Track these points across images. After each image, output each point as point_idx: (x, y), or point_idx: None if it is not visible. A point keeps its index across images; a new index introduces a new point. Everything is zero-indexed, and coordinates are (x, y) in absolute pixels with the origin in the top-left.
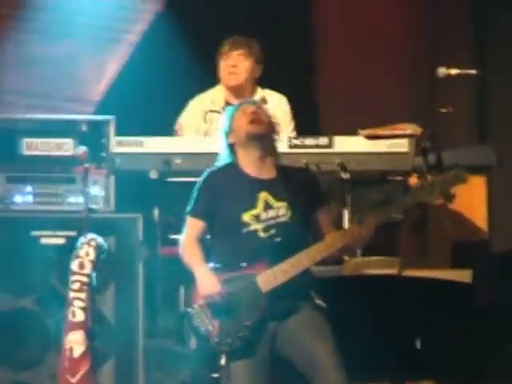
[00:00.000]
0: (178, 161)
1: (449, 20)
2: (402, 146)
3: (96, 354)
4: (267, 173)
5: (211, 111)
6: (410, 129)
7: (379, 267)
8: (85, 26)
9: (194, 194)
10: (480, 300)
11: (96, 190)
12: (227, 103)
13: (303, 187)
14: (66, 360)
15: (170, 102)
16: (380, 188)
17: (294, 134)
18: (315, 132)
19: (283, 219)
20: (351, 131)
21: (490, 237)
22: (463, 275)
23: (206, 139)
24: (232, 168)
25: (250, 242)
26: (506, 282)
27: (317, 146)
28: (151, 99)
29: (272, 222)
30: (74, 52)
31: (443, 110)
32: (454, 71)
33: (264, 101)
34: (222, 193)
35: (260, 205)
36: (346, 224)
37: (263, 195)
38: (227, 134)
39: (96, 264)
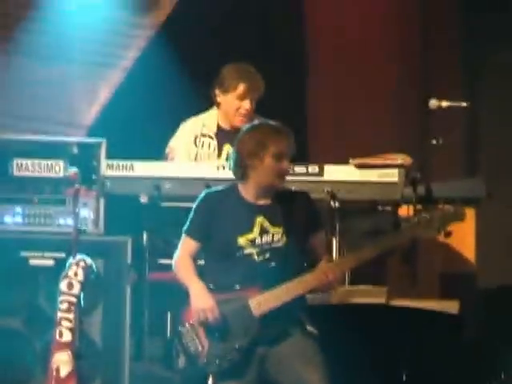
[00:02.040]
0: (168, 185)
1: (436, 47)
2: (391, 175)
3: (82, 375)
4: (265, 198)
5: (203, 135)
6: (401, 159)
7: (367, 296)
8: (78, 51)
9: (192, 214)
10: (467, 332)
11: (86, 212)
12: (219, 128)
13: (300, 211)
14: (52, 380)
15: (161, 126)
16: (369, 217)
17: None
18: (303, 159)
19: (278, 245)
20: (340, 159)
21: (478, 269)
22: (450, 306)
23: (195, 164)
24: (230, 191)
25: (245, 265)
26: (492, 315)
27: (307, 174)
28: (142, 124)
29: (267, 246)
30: (66, 76)
31: (434, 142)
32: (444, 103)
33: None
34: (219, 215)
35: (256, 229)
36: (334, 252)
37: (260, 220)
38: (250, 158)
39: (84, 285)
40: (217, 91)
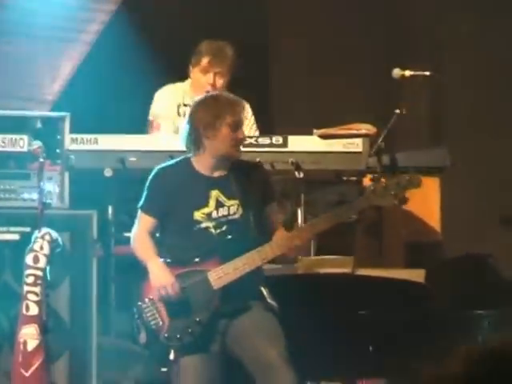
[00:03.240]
0: (132, 158)
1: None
2: (356, 145)
3: (50, 349)
4: (219, 171)
5: (185, 105)
6: (365, 129)
7: (333, 266)
8: (40, 26)
9: (145, 190)
10: (432, 300)
11: (50, 187)
12: None
13: (254, 184)
14: (19, 354)
15: (125, 100)
16: (334, 188)
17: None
18: (269, 132)
19: (235, 217)
20: (305, 131)
21: (443, 238)
22: (416, 275)
23: (159, 137)
24: (183, 165)
25: (202, 239)
26: (458, 284)
27: (271, 145)
28: (106, 98)
29: (224, 219)
30: (28, 51)
31: (397, 111)
32: (408, 72)
33: None
34: (174, 190)
35: (212, 203)
36: (300, 223)
37: (215, 193)
38: (206, 129)
39: (50, 258)
40: (190, 67)
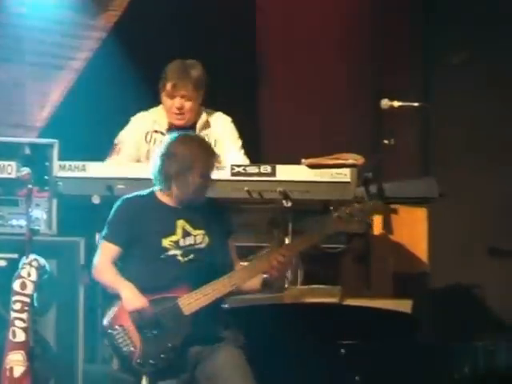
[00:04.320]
0: (120, 186)
1: (395, 51)
2: (344, 175)
3: (36, 375)
4: (181, 204)
5: (154, 131)
6: (353, 159)
7: (321, 296)
8: (29, 52)
9: (110, 219)
10: (420, 331)
11: (38, 213)
12: (170, 125)
13: (217, 216)
14: (6, 380)
15: (113, 128)
16: (322, 217)
17: (242, 151)
18: (257, 162)
19: (201, 246)
20: (293, 161)
21: (431, 269)
22: (404, 305)
23: (147, 165)
24: (149, 196)
25: (171, 267)
26: (444, 314)
27: (259, 174)
28: (94, 125)
29: (191, 248)
30: (17, 78)
31: (386, 142)
32: (396, 103)
33: (207, 125)
34: (140, 218)
35: (179, 232)
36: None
37: (181, 223)
38: (177, 178)
39: (38, 285)
40: (160, 90)
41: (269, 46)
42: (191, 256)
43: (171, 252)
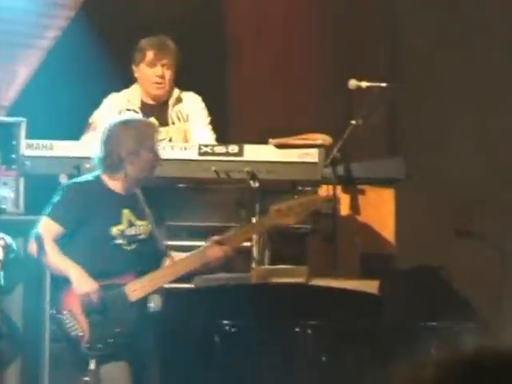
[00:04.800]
0: (87, 165)
1: (363, 34)
2: (311, 156)
3: (2, 354)
4: (130, 190)
5: (127, 110)
6: (321, 139)
7: (287, 276)
8: None
9: (57, 198)
10: (386, 311)
11: (5, 192)
12: (143, 103)
13: (151, 205)
14: None
15: (82, 107)
16: (289, 198)
17: (210, 127)
18: (225, 142)
19: (143, 236)
20: (261, 141)
21: (398, 250)
22: (370, 286)
23: None
24: (96, 183)
25: (117, 254)
26: (410, 296)
27: (227, 154)
28: (63, 104)
29: (134, 238)
30: None
31: (353, 122)
32: (364, 83)
33: (179, 100)
34: (88, 205)
35: (124, 221)
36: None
37: (126, 212)
38: (130, 155)
39: (4, 263)
40: (133, 67)
41: (237, 26)
42: (134, 246)
43: (118, 241)
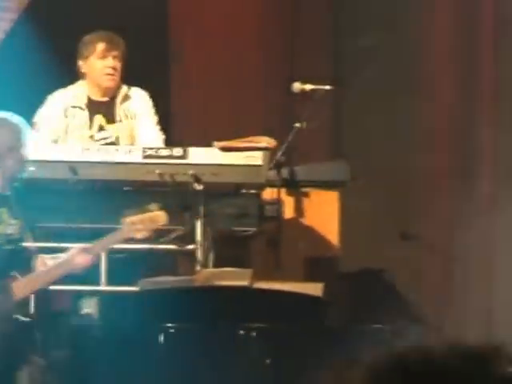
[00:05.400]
0: (31, 168)
1: (307, 36)
2: (256, 158)
3: None
4: (4, 189)
5: (73, 106)
6: (265, 142)
7: (231, 279)
8: None
9: None
10: (330, 314)
11: None
12: (90, 99)
13: (23, 204)
14: None
15: (29, 110)
16: (234, 200)
17: (158, 127)
18: (169, 144)
19: (17, 236)
20: (206, 144)
21: (342, 252)
22: (314, 289)
23: (60, 147)
24: None
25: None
26: (355, 298)
27: (171, 157)
28: (9, 108)
29: (10, 238)
30: None
31: (297, 125)
32: (308, 86)
33: (127, 97)
34: None
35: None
36: (198, 236)
37: (2, 210)
38: (7, 151)
39: None
40: (80, 62)
41: (181, 28)
42: (11, 246)
43: None
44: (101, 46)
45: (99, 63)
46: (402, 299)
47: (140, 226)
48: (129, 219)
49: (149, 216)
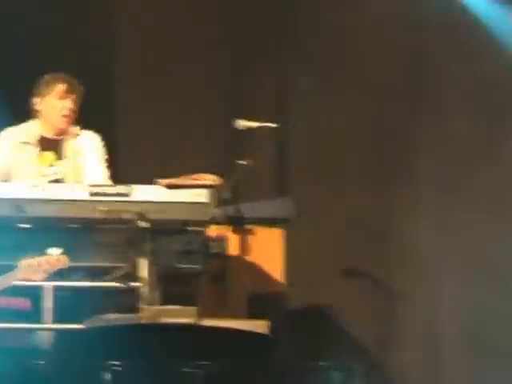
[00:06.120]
0: None
1: (250, 71)
2: (201, 196)
3: None
4: None
5: (23, 143)
6: (210, 179)
7: (177, 316)
8: None
9: None
10: (275, 352)
11: None
12: (42, 137)
13: None
14: None
15: None
16: (180, 237)
17: (105, 166)
18: (114, 181)
19: None
20: (149, 181)
21: (287, 290)
22: (260, 326)
23: (8, 184)
24: None
25: None
26: (301, 335)
27: (116, 195)
28: None
29: None
30: None
31: (242, 162)
32: (253, 124)
33: (77, 135)
34: None
35: None
36: (144, 273)
37: None
38: None
39: None
40: (36, 99)
41: (127, 62)
42: None
43: None
44: (61, 87)
45: (58, 103)
46: (348, 335)
47: (37, 267)
48: (25, 261)
49: (46, 259)
